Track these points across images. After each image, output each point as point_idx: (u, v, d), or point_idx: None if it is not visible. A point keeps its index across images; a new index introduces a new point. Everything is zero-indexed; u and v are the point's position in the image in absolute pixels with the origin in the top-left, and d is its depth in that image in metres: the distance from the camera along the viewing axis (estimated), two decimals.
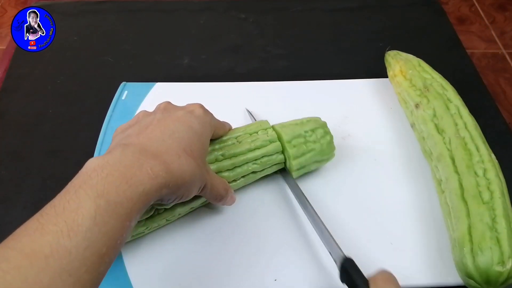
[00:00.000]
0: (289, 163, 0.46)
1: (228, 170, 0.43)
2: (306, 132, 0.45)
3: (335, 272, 0.41)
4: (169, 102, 0.39)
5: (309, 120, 0.47)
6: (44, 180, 0.49)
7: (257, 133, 0.45)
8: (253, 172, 0.45)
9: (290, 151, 0.45)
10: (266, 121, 0.47)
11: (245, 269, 0.41)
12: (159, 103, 0.40)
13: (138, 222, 0.39)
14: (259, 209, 0.46)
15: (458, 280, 0.40)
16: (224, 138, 0.44)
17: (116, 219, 0.27)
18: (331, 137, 0.47)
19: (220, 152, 0.43)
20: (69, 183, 0.28)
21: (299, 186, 0.46)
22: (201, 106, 0.40)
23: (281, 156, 0.45)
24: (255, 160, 0.44)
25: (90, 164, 0.29)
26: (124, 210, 0.27)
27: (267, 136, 0.45)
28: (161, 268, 0.41)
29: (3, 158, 0.51)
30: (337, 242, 0.44)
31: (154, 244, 0.43)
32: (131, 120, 0.38)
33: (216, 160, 0.43)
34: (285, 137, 0.45)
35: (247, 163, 0.44)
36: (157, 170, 0.30)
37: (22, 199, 0.48)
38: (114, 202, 0.27)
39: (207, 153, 0.39)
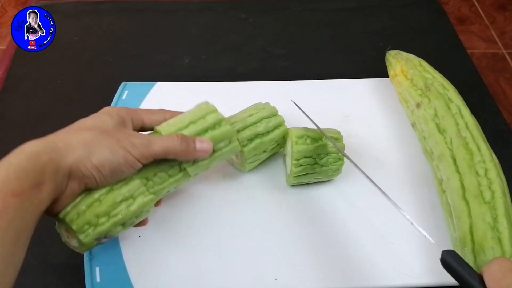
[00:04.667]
0: (289, 177, 0.46)
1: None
2: (319, 155, 0.44)
3: (335, 272, 0.41)
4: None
5: (331, 138, 0.45)
6: None
7: (260, 110, 0.46)
8: (259, 136, 0.44)
9: (294, 169, 0.44)
10: (267, 104, 0.47)
11: (246, 268, 0.41)
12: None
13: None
14: (260, 209, 0.46)
15: None
16: (232, 120, 0.44)
17: None
18: (343, 163, 0.46)
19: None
20: None
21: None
22: (107, 107, 0.40)
23: (283, 128, 0.46)
24: (256, 123, 0.44)
25: None
26: None
27: (267, 112, 0.46)
28: (161, 267, 0.41)
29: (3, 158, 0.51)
30: (338, 241, 0.44)
31: (154, 242, 0.43)
32: None
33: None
34: (295, 155, 0.44)
35: (248, 126, 0.44)
36: (25, 146, 0.32)
37: None
38: None
39: (108, 124, 0.37)
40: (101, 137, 0.35)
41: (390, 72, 0.56)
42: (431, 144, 0.47)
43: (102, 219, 0.34)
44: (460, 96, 0.49)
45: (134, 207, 0.35)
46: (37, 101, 0.58)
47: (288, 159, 0.46)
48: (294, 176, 0.45)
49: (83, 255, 0.41)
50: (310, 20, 0.71)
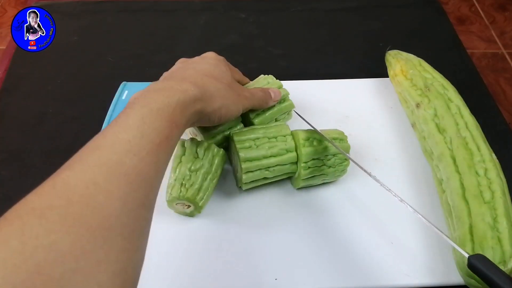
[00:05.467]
0: (296, 180, 0.46)
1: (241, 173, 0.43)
2: (326, 156, 0.44)
3: (335, 272, 0.41)
4: (185, 59, 0.46)
5: (335, 139, 0.45)
6: (44, 180, 0.49)
7: (276, 138, 0.44)
8: (264, 178, 0.45)
9: (303, 172, 0.44)
10: (287, 126, 0.46)
11: (246, 268, 0.41)
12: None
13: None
14: (260, 210, 0.46)
15: (459, 280, 0.40)
16: (243, 138, 0.43)
17: (161, 120, 0.33)
18: (348, 163, 0.46)
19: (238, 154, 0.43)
20: None
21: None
22: (213, 53, 0.46)
23: (294, 167, 0.44)
24: (268, 167, 0.44)
25: (133, 96, 0.35)
26: (166, 113, 0.33)
27: (285, 144, 0.44)
28: (161, 267, 0.41)
29: (3, 158, 0.51)
30: (338, 241, 0.44)
31: (154, 242, 0.43)
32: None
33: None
34: (303, 157, 0.43)
35: (260, 169, 0.43)
36: (186, 86, 0.36)
37: (22, 199, 0.47)
38: (156, 108, 0.33)
39: (229, 75, 0.44)
40: (230, 91, 0.41)
41: (390, 72, 0.56)
42: (431, 144, 0.47)
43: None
44: (460, 96, 0.49)
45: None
46: (37, 101, 0.58)
47: None
48: (303, 179, 0.45)
49: None
50: (310, 20, 0.71)
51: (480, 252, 0.37)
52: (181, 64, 0.44)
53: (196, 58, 0.45)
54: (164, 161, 0.33)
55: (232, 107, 0.42)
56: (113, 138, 0.30)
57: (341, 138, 0.45)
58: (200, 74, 0.40)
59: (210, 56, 0.45)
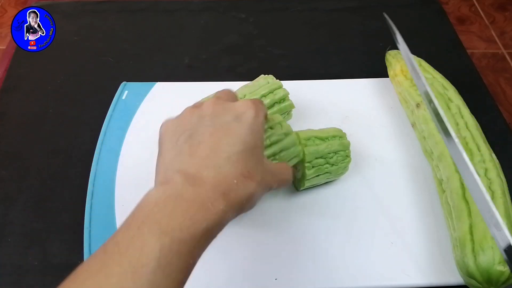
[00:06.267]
0: (301, 181, 0.45)
1: None
2: (329, 153, 0.44)
3: (335, 272, 0.41)
4: (216, 100, 0.35)
5: (335, 136, 0.45)
6: (44, 180, 0.49)
7: (271, 128, 0.42)
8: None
9: (308, 172, 0.44)
10: (278, 115, 0.44)
11: (246, 268, 0.41)
12: (204, 100, 0.35)
13: None
14: (261, 210, 0.46)
15: (459, 280, 0.40)
16: None
17: (180, 258, 0.26)
18: (350, 160, 0.46)
19: None
20: (130, 216, 0.28)
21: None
22: (252, 106, 0.34)
23: (299, 148, 0.43)
24: (274, 155, 0.42)
25: (150, 197, 0.28)
26: (187, 249, 0.26)
27: (281, 129, 0.42)
28: None
29: (3, 158, 0.51)
30: (338, 241, 0.44)
31: None
32: (179, 120, 0.34)
33: None
34: (307, 157, 0.43)
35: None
36: (217, 204, 0.28)
37: (22, 199, 0.48)
38: (178, 239, 0.26)
39: (263, 157, 0.34)
40: (259, 195, 0.32)
41: (390, 72, 0.56)
42: (431, 144, 0.47)
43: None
44: (460, 96, 0.49)
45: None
46: (37, 101, 0.58)
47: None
48: (308, 179, 0.44)
49: (82, 255, 0.41)
50: (310, 20, 0.71)
51: (480, 252, 0.37)
52: (211, 125, 0.33)
53: (229, 119, 0.33)
54: None
55: (257, 202, 0.34)
56: (117, 283, 0.24)
57: (340, 135, 0.45)
58: (237, 173, 0.30)
59: (248, 120, 0.33)
